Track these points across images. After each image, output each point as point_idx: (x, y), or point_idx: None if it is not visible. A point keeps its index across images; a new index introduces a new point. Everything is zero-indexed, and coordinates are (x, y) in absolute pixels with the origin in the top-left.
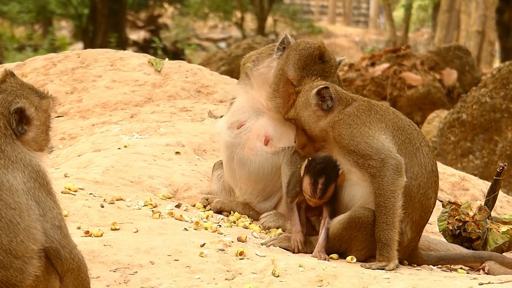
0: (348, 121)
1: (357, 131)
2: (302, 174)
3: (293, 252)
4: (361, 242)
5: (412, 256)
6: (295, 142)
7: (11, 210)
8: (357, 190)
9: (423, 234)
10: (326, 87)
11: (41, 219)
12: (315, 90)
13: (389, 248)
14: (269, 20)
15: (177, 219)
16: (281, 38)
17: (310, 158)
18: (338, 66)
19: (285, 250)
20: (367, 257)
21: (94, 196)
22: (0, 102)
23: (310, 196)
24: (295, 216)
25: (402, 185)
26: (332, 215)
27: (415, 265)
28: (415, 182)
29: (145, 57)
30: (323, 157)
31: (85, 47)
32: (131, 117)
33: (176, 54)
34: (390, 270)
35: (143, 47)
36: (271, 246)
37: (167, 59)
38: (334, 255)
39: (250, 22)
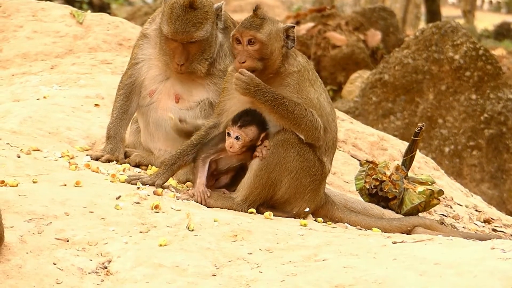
0: (307, 77)
1: (315, 87)
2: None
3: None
4: (291, 163)
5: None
6: (243, 62)
7: None
8: None
9: (339, 192)
10: (293, 27)
11: None
12: (286, 26)
13: None
14: None
15: (93, 171)
16: None
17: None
18: (218, 12)
19: (200, 205)
20: (300, 180)
21: (11, 146)
22: None
23: (231, 124)
24: (205, 170)
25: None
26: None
27: (330, 222)
28: (335, 122)
29: (67, 9)
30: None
31: None
32: (51, 68)
33: (102, 8)
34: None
35: (69, 1)
36: (184, 200)
37: (89, 11)
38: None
39: None
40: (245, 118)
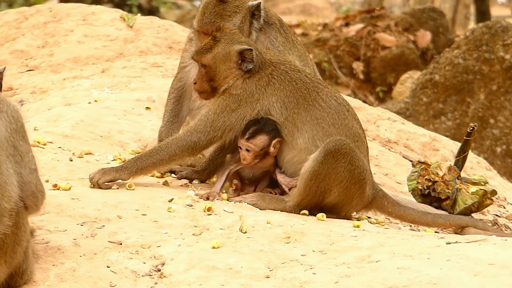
0: (243, 100)
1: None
2: None
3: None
4: (341, 173)
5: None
6: (194, 83)
7: None
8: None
9: (392, 193)
10: (250, 49)
11: (17, 166)
12: (239, 48)
13: None
14: None
15: None
16: None
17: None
18: (253, 10)
19: (253, 207)
20: (349, 188)
21: (63, 149)
22: None
23: (240, 137)
24: (222, 180)
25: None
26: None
27: (382, 222)
28: (325, 122)
29: (117, 12)
30: (267, 118)
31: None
32: (102, 72)
33: (151, 12)
34: None
35: (118, 4)
36: (238, 202)
37: (139, 14)
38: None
39: None
40: (252, 128)
